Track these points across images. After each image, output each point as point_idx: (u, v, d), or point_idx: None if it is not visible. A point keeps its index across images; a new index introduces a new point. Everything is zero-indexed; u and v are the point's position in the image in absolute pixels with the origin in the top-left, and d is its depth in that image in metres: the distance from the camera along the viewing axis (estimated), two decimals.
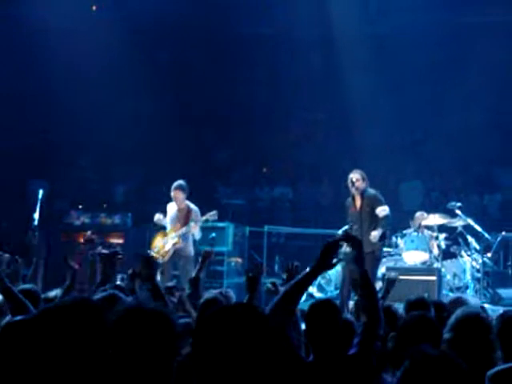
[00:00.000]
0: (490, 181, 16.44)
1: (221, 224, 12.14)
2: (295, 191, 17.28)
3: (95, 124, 16.40)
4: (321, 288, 12.26)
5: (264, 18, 17.11)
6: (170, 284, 6.74)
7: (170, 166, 16.74)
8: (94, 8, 17.15)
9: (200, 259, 6.45)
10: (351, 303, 7.45)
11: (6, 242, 10.45)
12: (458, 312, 4.42)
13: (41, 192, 12.18)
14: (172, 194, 10.61)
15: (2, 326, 3.33)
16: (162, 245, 10.60)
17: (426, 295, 5.73)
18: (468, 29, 16.16)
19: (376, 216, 10.08)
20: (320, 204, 16.73)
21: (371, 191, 10.32)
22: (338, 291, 11.13)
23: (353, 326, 4.47)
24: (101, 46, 15.89)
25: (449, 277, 11.75)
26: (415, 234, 11.83)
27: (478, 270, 11.86)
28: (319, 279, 11.87)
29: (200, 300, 5.51)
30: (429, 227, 11.97)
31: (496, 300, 11.60)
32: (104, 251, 5.45)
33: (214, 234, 11.20)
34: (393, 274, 7.20)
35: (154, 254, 10.62)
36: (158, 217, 10.73)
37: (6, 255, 6.87)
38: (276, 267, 14.21)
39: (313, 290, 11.85)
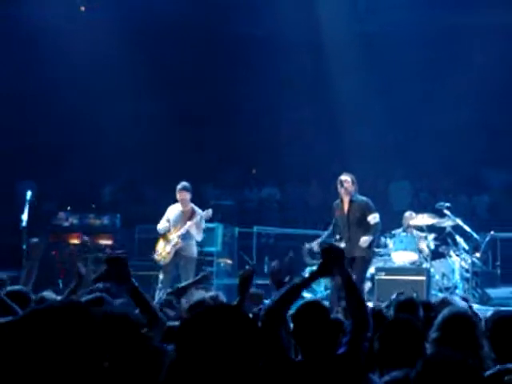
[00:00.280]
0: (479, 181, 16.51)
1: (210, 225, 12.12)
2: (283, 192, 17.29)
3: (83, 125, 16.38)
4: (311, 289, 12.27)
5: (253, 18, 17.11)
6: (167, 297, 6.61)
7: (158, 166, 16.75)
8: (82, 9, 17.10)
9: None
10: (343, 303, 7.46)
11: None
12: (445, 311, 4.44)
13: (29, 193, 12.12)
14: (178, 195, 10.59)
15: None
16: (163, 247, 10.62)
17: (414, 295, 5.73)
18: (457, 28, 16.20)
19: (366, 222, 10.08)
20: (309, 205, 16.75)
21: (362, 198, 10.31)
22: (327, 291, 11.14)
23: (342, 326, 4.47)
24: (94, 46, 15.87)
25: (438, 277, 11.78)
26: (404, 234, 11.86)
27: (466, 270, 11.90)
28: None
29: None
30: (418, 227, 11.99)
31: (485, 300, 11.64)
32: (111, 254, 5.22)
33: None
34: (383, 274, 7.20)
35: (157, 257, 10.64)
36: (164, 225, 10.70)
37: None
38: (265, 268, 14.21)
39: None
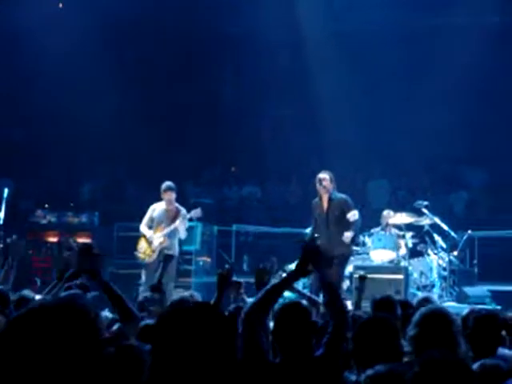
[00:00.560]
0: (457, 180, 16.60)
1: (189, 223, 12.11)
2: (264, 190, 17.29)
3: (62, 122, 16.29)
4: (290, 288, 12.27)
5: (231, 16, 17.09)
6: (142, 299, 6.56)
7: (137, 164, 16.70)
8: (60, 5, 17.00)
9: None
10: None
11: None
12: (422, 309, 4.47)
13: (6, 191, 12.04)
14: (165, 195, 10.67)
15: None
16: (148, 245, 10.63)
17: (395, 293, 5.76)
18: (436, 28, 16.27)
19: (345, 220, 10.11)
20: (288, 203, 16.76)
21: (341, 195, 10.34)
22: (306, 290, 11.16)
23: (322, 327, 4.47)
24: (74, 43, 15.78)
25: (416, 275, 11.84)
26: (382, 232, 11.90)
27: (444, 269, 11.97)
28: None
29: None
30: (396, 226, 12.05)
31: (462, 298, 11.71)
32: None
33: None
34: (362, 272, 7.25)
35: (140, 255, 10.67)
36: (147, 231, 10.75)
37: None
38: (244, 266, 14.22)
39: None
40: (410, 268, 11.51)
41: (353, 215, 10.12)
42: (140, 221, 11.17)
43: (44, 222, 13.86)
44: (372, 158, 16.61)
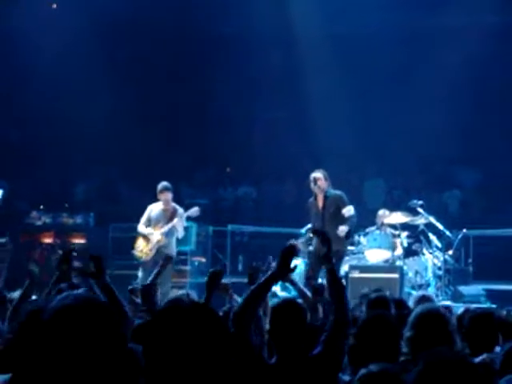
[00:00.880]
0: (451, 179, 16.62)
1: (184, 223, 12.12)
2: (259, 190, 17.29)
3: (56, 123, 16.26)
4: (284, 287, 12.28)
5: (223, 17, 17.07)
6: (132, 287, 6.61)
7: (132, 165, 16.68)
8: (54, 6, 16.97)
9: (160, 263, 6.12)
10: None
11: None
12: (417, 309, 4.47)
13: (1, 192, 12.03)
14: (161, 195, 10.77)
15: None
16: (145, 244, 10.69)
17: (387, 293, 5.77)
18: (429, 29, 16.29)
19: (341, 216, 10.12)
20: (284, 203, 16.76)
21: (336, 191, 10.36)
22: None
23: (317, 327, 4.48)
24: (68, 44, 15.77)
25: (411, 274, 11.85)
26: (378, 232, 11.91)
27: (439, 268, 11.99)
28: None
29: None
30: (391, 225, 12.06)
31: (457, 297, 11.73)
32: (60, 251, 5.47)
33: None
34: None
35: (137, 253, 10.73)
36: (145, 229, 10.77)
37: None
38: (240, 266, 14.21)
39: (276, 288, 11.87)
40: (405, 267, 11.53)
41: (348, 211, 10.14)
42: (135, 221, 11.18)
43: (39, 223, 13.84)
44: (366, 158, 16.62)
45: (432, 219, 12.10)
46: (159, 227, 10.73)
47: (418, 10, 16.24)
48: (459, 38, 15.58)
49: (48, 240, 13.56)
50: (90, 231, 13.83)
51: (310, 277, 9.86)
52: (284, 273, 4.14)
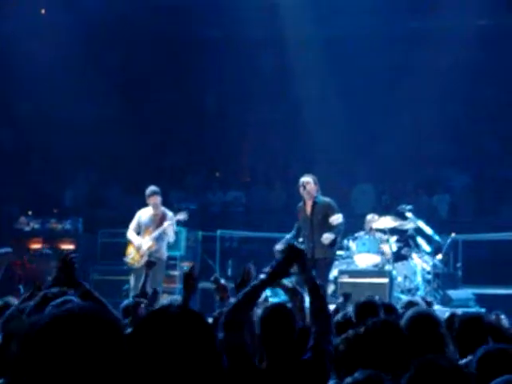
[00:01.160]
0: (440, 183, 16.66)
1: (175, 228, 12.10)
2: (248, 195, 17.28)
3: (45, 128, 16.20)
4: (274, 292, 12.27)
5: (213, 20, 17.06)
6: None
7: (121, 170, 16.64)
8: (42, 11, 16.94)
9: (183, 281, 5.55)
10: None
11: None
12: (409, 313, 4.48)
13: None
14: (150, 200, 10.74)
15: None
16: (136, 250, 10.64)
17: (376, 297, 5.77)
18: (419, 32, 16.30)
19: (329, 223, 10.13)
20: (273, 207, 16.75)
21: (325, 198, 10.36)
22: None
23: (307, 331, 4.47)
24: (55, 49, 15.73)
25: (400, 279, 11.86)
26: (367, 236, 11.92)
27: (428, 272, 12.01)
28: None
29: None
30: (380, 230, 12.07)
31: (446, 301, 11.75)
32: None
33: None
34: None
35: (129, 261, 10.70)
36: (135, 237, 10.75)
37: None
38: (229, 271, 14.19)
39: (266, 292, 11.85)
40: (395, 272, 11.54)
41: (336, 219, 10.14)
42: (124, 227, 11.16)
43: (28, 228, 13.78)
44: (356, 162, 16.63)
45: (421, 224, 12.12)
46: (150, 232, 10.71)
47: (408, 12, 16.30)
48: (449, 40, 15.63)
49: (36, 246, 13.49)
50: (78, 237, 13.79)
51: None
52: (280, 275, 4.14)
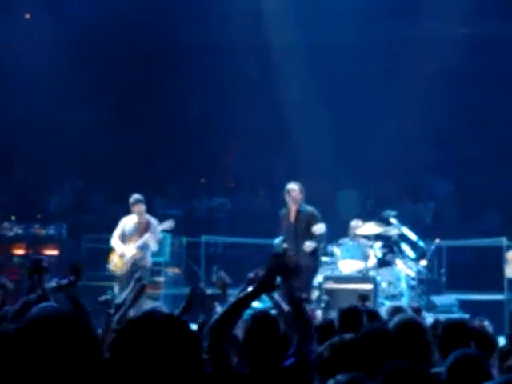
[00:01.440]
0: (424, 189, 16.74)
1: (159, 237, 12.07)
2: (233, 201, 17.28)
3: (29, 133, 16.14)
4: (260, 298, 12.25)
5: (199, 28, 17.06)
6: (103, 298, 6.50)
7: (105, 176, 16.59)
8: (27, 16, 16.89)
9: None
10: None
11: None
12: (395, 319, 4.49)
13: None
14: (134, 208, 10.74)
15: None
16: (119, 258, 10.63)
17: (360, 304, 5.78)
18: (404, 38, 16.37)
19: (311, 232, 10.17)
20: (258, 213, 16.75)
21: (309, 208, 10.39)
22: None
23: (288, 337, 4.47)
24: (41, 54, 15.67)
25: (384, 285, 11.87)
26: (351, 242, 11.93)
27: (412, 278, 12.04)
28: None
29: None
30: (364, 236, 12.09)
31: (430, 307, 11.79)
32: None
33: None
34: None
35: (112, 268, 10.68)
36: (119, 245, 10.71)
37: None
38: (214, 277, 14.14)
39: None
40: (379, 278, 11.55)
41: (319, 228, 10.18)
42: (108, 232, 11.12)
43: (11, 234, 13.69)
44: (341, 167, 16.67)
45: (405, 230, 12.16)
46: (134, 240, 10.70)
47: (393, 19, 16.35)
48: (433, 47, 15.74)
49: (20, 251, 13.41)
50: (62, 242, 13.72)
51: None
52: (268, 288, 4.15)
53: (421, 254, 12.43)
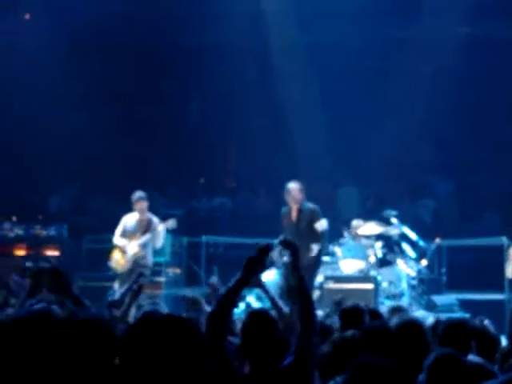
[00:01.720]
0: (425, 188, 16.73)
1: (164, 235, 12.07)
2: (234, 201, 17.28)
3: (28, 134, 16.13)
4: (259, 297, 12.25)
5: (197, 29, 17.06)
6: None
7: (105, 176, 16.59)
8: (27, 16, 16.89)
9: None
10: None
11: None
12: (395, 320, 4.49)
13: None
14: (136, 205, 10.68)
15: None
16: (121, 255, 10.61)
17: (362, 303, 5.78)
18: (403, 39, 16.37)
19: (314, 230, 10.16)
20: (258, 213, 16.75)
21: (310, 205, 10.39)
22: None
23: (287, 340, 4.47)
24: (39, 56, 15.68)
25: (385, 284, 11.88)
26: (352, 242, 11.94)
27: (413, 278, 12.04)
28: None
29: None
30: (365, 236, 12.09)
31: (431, 307, 11.79)
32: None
33: None
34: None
35: (114, 265, 10.65)
36: (121, 242, 10.70)
37: None
38: (212, 278, 14.14)
39: (250, 299, 11.83)
40: (380, 277, 11.56)
41: (321, 225, 10.18)
42: (109, 233, 11.12)
43: (11, 235, 13.69)
44: (340, 167, 16.67)
45: (406, 229, 12.17)
46: (135, 238, 10.66)
47: (392, 19, 16.35)
48: (433, 47, 15.73)
49: (20, 252, 13.41)
50: (63, 243, 13.71)
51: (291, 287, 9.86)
52: (246, 283, 4.15)
53: (421, 254, 12.44)
